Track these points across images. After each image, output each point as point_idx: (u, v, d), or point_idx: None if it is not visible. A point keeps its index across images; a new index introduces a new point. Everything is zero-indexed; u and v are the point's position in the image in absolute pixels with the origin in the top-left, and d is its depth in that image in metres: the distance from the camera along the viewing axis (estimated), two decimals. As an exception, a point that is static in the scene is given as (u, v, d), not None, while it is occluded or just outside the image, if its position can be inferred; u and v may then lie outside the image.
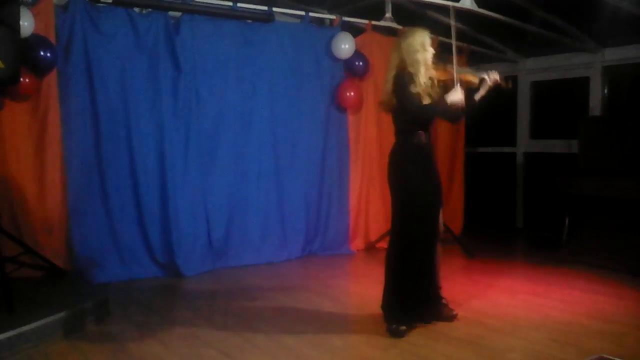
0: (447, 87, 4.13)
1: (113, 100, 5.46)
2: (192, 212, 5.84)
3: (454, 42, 4.29)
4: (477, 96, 4.21)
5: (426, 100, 3.96)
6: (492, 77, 4.19)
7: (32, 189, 5.12)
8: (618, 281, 5.36)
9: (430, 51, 4.05)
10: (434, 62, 4.09)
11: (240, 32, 6.10)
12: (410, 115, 3.99)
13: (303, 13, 6.56)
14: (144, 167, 5.61)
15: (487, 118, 8.06)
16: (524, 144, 8.10)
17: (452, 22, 4.44)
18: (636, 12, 5.73)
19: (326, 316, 4.46)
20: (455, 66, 4.09)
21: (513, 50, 7.81)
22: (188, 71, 5.78)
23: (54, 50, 5.01)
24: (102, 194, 5.46)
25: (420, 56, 3.98)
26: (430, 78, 4.04)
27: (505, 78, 4.28)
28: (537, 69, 7.93)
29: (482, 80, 4.18)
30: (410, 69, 3.96)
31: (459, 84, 4.07)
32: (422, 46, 4.00)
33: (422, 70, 3.98)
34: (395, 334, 3.93)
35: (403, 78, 3.94)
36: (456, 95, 4.05)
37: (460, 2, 5.77)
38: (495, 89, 4.27)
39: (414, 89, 3.92)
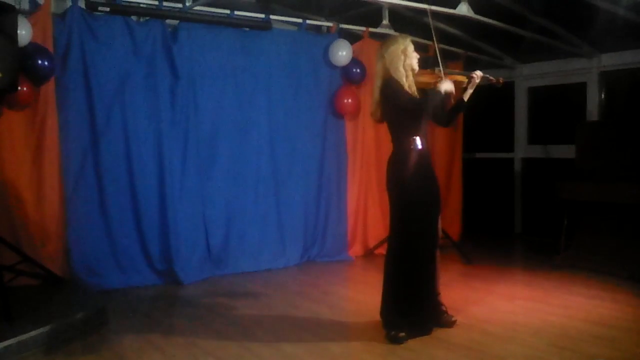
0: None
1: (111, 108, 5.46)
2: (191, 220, 5.84)
3: (436, 45, 4.25)
4: (466, 95, 4.22)
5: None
6: (478, 74, 4.20)
7: (30, 197, 5.11)
8: (616, 286, 5.36)
9: (414, 56, 4.07)
10: (420, 67, 4.12)
11: (238, 40, 6.12)
12: (411, 113, 4.00)
13: (300, 20, 6.57)
14: (142, 175, 5.60)
15: (485, 124, 8.11)
16: (522, 149, 8.12)
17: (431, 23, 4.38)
18: (632, 18, 5.76)
19: (325, 323, 4.46)
20: (442, 68, 4.10)
21: (510, 57, 7.84)
22: (186, 79, 5.79)
23: (51, 58, 5.02)
24: (100, 202, 5.46)
25: (403, 63, 4.01)
26: (416, 84, 4.07)
27: (497, 79, 4.31)
28: (534, 74, 7.95)
29: (470, 79, 4.20)
30: (395, 76, 3.99)
31: (446, 77, 4.08)
32: (404, 53, 4.02)
33: (408, 76, 4.01)
34: (394, 340, 3.92)
35: (391, 84, 3.97)
36: (447, 85, 4.03)
37: (457, 8, 5.79)
38: (488, 86, 4.29)
39: (405, 91, 3.95)
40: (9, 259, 4.65)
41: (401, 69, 4.00)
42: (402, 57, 4.01)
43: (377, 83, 4.09)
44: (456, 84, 4.21)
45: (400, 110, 4.02)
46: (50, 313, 4.12)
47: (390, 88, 3.99)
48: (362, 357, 3.78)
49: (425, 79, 4.12)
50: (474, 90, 4.22)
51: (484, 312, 4.62)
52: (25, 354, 3.66)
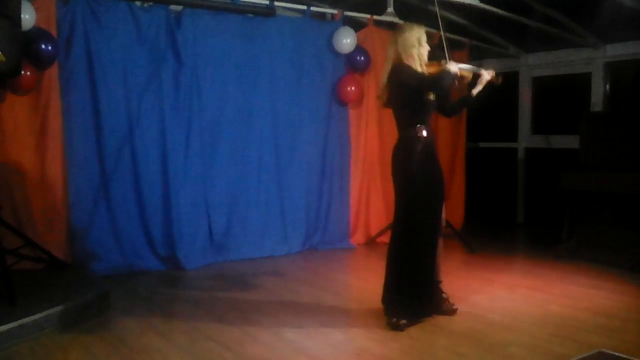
0: None
1: (114, 94, 5.46)
2: (193, 206, 5.85)
3: (443, 36, 4.25)
4: (475, 91, 4.23)
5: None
6: (488, 72, 4.20)
7: (33, 181, 5.13)
8: (618, 276, 5.36)
9: (425, 47, 4.08)
10: (428, 58, 4.12)
11: (242, 26, 6.10)
12: (425, 89, 4.00)
13: (304, 7, 6.54)
14: (145, 161, 5.61)
15: (489, 113, 8.08)
16: (525, 139, 8.10)
17: (438, 13, 4.37)
18: (638, 8, 5.72)
19: (326, 310, 4.47)
20: (448, 61, 4.09)
21: (515, 46, 7.79)
22: (189, 65, 5.77)
23: (55, 43, 5.01)
24: (103, 187, 5.47)
25: (415, 51, 4.02)
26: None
27: (495, 74, 4.29)
28: (539, 64, 7.91)
29: (477, 76, 4.19)
30: (407, 62, 4.01)
31: (450, 59, 4.08)
32: (418, 41, 4.04)
33: (417, 65, 4.02)
34: (396, 327, 3.94)
35: (402, 66, 3.99)
36: (454, 67, 4.00)
37: (463, -3, 5.78)
38: (488, 84, 4.29)
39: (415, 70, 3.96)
40: (12, 243, 4.66)
41: (415, 55, 4.02)
42: (416, 45, 4.03)
43: (387, 68, 4.11)
44: (461, 79, 4.19)
45: (406, 94, 4.02)
46: (53, 297, 4.14)
47: (399, 68, 4.00)
48: (363, 344, 3.79)
49: (432, 70, 4.11)
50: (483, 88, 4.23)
51: (486, 301, 4.63)
52: (27, 337, 3.69)
